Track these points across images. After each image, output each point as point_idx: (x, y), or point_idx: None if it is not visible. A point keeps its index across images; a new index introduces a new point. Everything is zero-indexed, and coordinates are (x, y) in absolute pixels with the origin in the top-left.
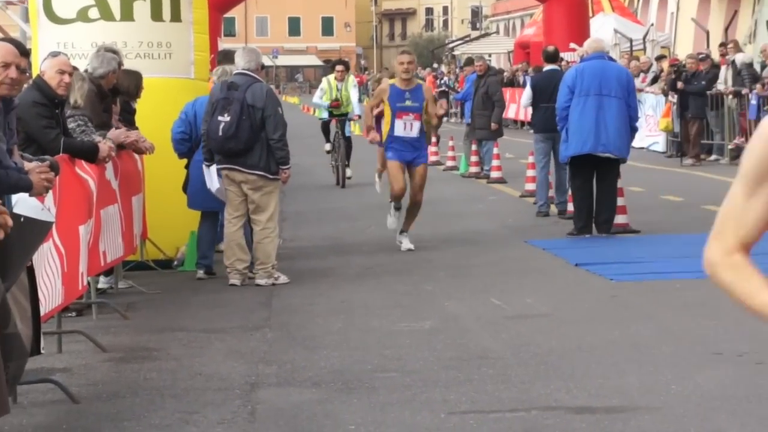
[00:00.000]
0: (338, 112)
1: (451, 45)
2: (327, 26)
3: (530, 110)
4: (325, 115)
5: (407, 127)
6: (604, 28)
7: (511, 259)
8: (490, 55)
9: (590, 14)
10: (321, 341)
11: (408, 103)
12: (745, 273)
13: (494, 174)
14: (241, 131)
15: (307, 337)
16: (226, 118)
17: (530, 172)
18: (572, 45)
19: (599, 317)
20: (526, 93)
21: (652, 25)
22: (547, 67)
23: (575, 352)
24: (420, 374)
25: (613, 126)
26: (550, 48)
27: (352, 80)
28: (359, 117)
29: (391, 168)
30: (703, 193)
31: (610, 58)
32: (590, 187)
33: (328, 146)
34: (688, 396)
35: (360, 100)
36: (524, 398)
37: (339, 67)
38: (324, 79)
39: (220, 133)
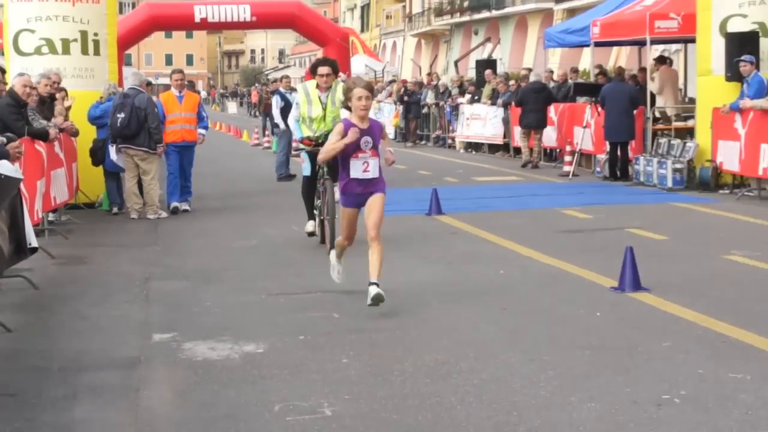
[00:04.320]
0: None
1: (266, 72)
2: (189, 59)
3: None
4: (299, 140)
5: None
6: (359, 64)
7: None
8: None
9: (351, 54)
10: (189, 252)
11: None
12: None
13: None
14: (132, 123)
15: (182, 251)
16: (122, 115)
17: None
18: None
19: None
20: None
21: (388, 61)
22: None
23: None
24: (249, 272)
25: None
26: None
27: (342, 90)
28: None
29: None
30: (417, 162)
31: None
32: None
33: (310, 226)
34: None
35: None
36: None
37: (323, 69)
38: (299, 87)
39: (119, 125)
